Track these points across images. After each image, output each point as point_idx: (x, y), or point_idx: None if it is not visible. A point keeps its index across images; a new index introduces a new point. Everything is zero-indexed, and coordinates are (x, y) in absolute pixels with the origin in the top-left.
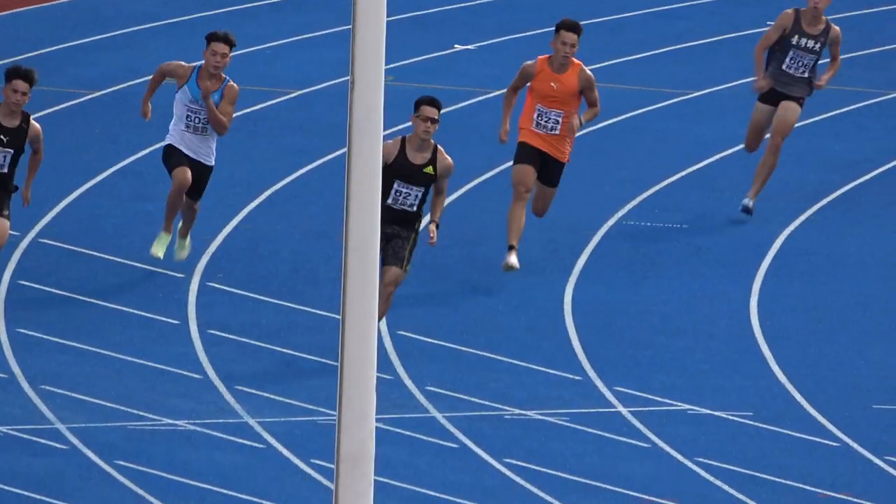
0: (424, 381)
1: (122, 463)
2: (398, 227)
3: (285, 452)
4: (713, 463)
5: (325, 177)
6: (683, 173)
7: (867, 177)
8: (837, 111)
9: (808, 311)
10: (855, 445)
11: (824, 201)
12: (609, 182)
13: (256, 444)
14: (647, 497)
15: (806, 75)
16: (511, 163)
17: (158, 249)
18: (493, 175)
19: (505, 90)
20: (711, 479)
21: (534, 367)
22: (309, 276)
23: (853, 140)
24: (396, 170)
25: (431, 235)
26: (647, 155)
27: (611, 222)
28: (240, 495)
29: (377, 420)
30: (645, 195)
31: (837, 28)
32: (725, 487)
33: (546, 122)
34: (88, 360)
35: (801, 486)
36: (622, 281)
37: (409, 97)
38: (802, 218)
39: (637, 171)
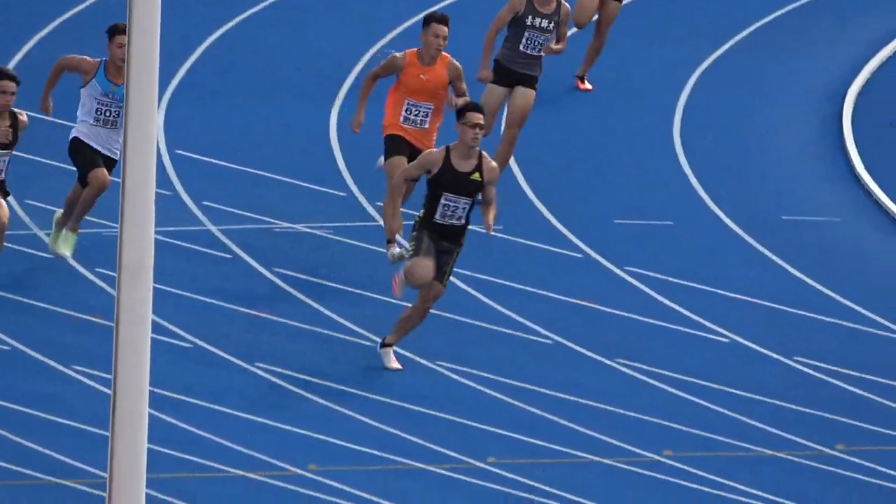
0: (200, 197)
1: None
2: (446, 243)
3: (73, 263)
4: (466, 273)
5: None
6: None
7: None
8: None
9: (558, 140)
10: (597, 257)
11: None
12: (367, 19)
13: (46, 255)
14: (396, 301)
15: (543, 54)
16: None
17: (66, 249)
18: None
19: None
20: (464, 286)
21: (302, 184)
22: None
23: None
24: (443, 181)
25: (489, 225)
26: None
27: (368, 55)
28: (32, 302)
29: (157, 232)
30: (396, 31)
31: (567, 6)
32: (476, 294)
33: (416, 115)
34: None
35: (548, 294)
36: (380, 106)
37: None
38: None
39: (391, 8)
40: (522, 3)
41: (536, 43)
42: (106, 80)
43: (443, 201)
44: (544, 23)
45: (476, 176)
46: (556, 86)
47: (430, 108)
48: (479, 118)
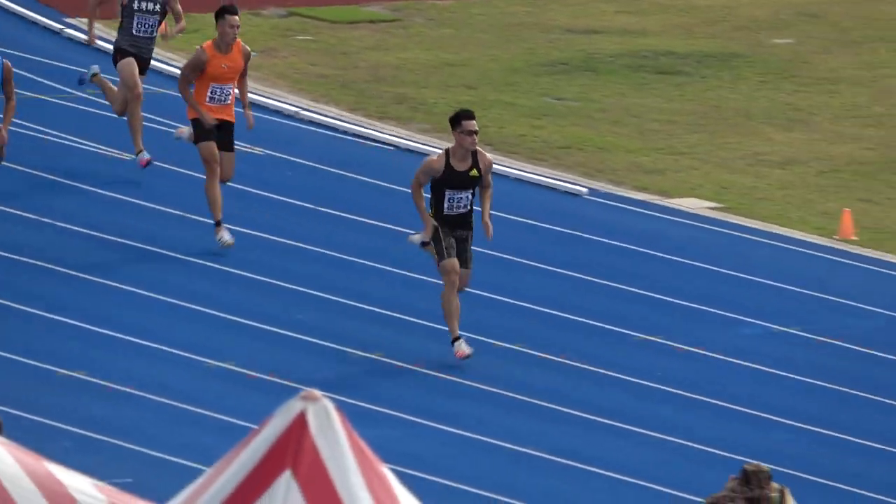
0: None
1: None
2: (461, 231)
3: None
4: None
5: None
6: None
7: None
8: None
9: None
10: None
11: None
12: None
13: None
14: None
15: (154, 35)
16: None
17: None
18: None
19: None
20: None
21: None
22: None
23: None
24: (447, 181)
25: (488, 232)
26: None
27: None
28: None
29: None
30: None
31: None
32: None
33: (220, 95)
34: None
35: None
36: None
37: None
38: None
39: None
40: None
41: (147, 25)
42: None
43: (447, 196)
44: (150, 6)
45: (474, 172)
46: None
47: (231, 87)
48: (474, 125)
